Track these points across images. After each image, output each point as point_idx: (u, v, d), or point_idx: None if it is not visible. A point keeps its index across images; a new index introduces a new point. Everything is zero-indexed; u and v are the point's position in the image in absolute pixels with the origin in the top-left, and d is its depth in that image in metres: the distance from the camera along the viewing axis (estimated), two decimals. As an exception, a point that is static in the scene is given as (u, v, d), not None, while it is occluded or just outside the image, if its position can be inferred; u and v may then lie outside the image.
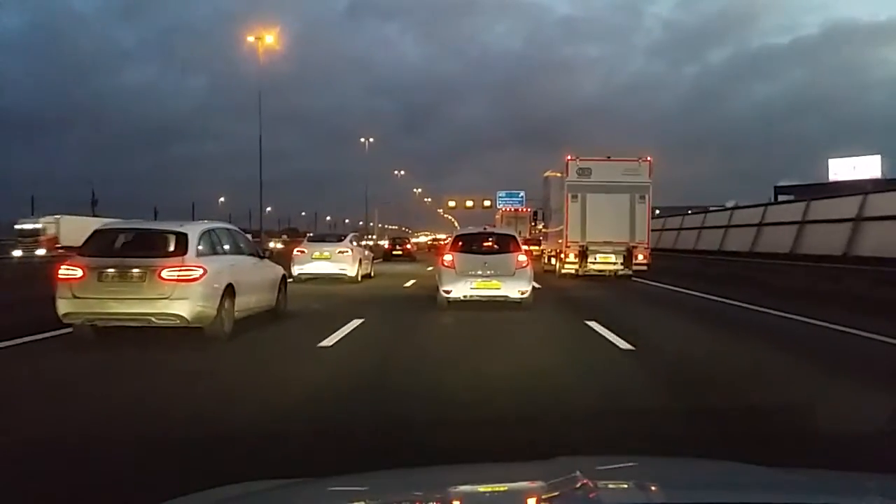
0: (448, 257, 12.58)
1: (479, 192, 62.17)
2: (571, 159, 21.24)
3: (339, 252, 18.94)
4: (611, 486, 1.84)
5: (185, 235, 8.39)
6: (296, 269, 18.42)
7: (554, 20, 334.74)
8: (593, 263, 20.87)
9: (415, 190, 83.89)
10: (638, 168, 20.97)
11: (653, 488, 1.87)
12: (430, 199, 75.25)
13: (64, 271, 8.09)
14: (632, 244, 20.70)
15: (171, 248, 8.27)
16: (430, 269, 20.63)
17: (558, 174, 22.43)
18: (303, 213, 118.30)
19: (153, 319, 8.00)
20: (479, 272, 12.26)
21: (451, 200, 57.52)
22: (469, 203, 55.59)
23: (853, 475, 2.09)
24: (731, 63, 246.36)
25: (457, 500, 1.88)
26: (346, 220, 72.95)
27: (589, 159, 21.32)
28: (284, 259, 16.63)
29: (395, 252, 37.02)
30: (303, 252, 19.06)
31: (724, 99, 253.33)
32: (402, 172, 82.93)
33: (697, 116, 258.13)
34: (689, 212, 39.05)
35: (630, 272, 20.70)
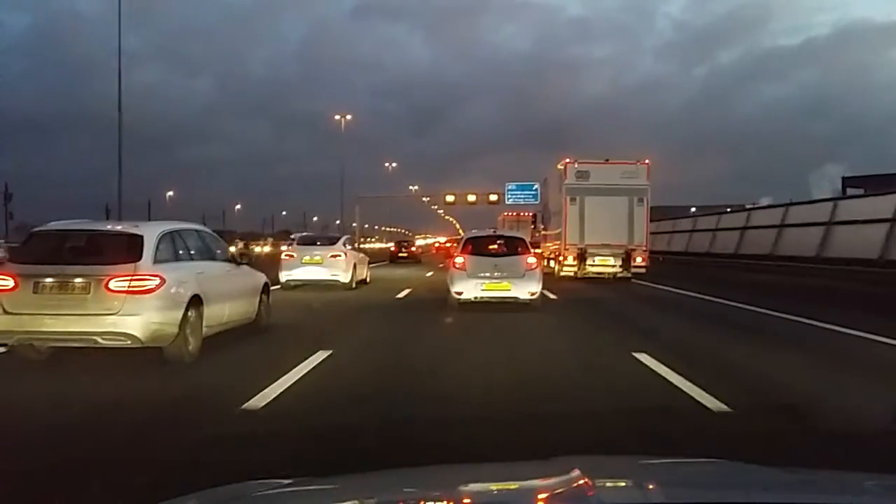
0: (459, 259, 12.85)
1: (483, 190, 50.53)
2: (570, 162, 21.25)
3: (332, 256, 17.37)
4: (610, 485, 1.85)
5: (139, 238, 7.18)
6: (283, 276, 17.11)
7: (564, 21, 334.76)
8: (592, 266, 21.06)
9: (411, 187, 73.14)
10: (636, 171, 20.87)
11: (653, 488, 1.87)
12: (428, 198, 65.25)
13: None
14: (630, 247, 20.83)
15: (123, 254, 7.03)
16: (441, 265, 20.26)
17: (561, 168, 22.25)
18: (283, 213, 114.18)
19: (99, 340, 6.75)
20: (489, 274, 12.52)
21: (450, 195, 49.11)
22: (471, 198, 47.29)
23: (853, 475, 2.11)
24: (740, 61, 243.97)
25: (457, 499, 1.88)
26: (337, 222, 67.11)
27: (587, 162, 21.24)
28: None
29: (400, 255, 38.69)
30: (291, 256, 17.73)
31: (736, 98, 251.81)
32: (395, 165, 73.79)
33: (707, 116, 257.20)
34: (729, 210, 38.60)
35: (629, 275, 20.87)
